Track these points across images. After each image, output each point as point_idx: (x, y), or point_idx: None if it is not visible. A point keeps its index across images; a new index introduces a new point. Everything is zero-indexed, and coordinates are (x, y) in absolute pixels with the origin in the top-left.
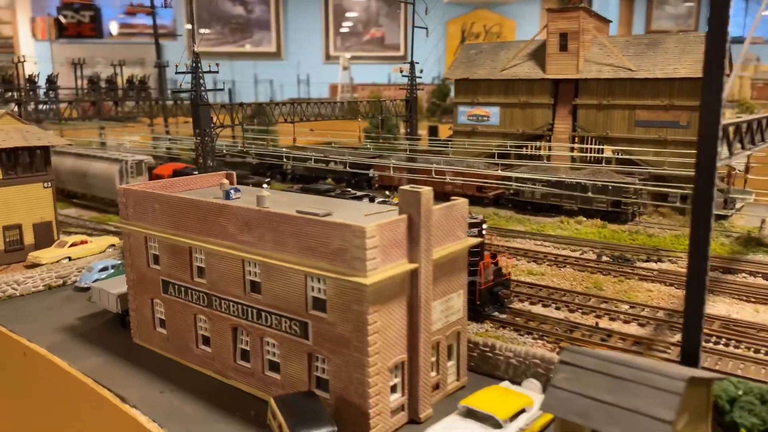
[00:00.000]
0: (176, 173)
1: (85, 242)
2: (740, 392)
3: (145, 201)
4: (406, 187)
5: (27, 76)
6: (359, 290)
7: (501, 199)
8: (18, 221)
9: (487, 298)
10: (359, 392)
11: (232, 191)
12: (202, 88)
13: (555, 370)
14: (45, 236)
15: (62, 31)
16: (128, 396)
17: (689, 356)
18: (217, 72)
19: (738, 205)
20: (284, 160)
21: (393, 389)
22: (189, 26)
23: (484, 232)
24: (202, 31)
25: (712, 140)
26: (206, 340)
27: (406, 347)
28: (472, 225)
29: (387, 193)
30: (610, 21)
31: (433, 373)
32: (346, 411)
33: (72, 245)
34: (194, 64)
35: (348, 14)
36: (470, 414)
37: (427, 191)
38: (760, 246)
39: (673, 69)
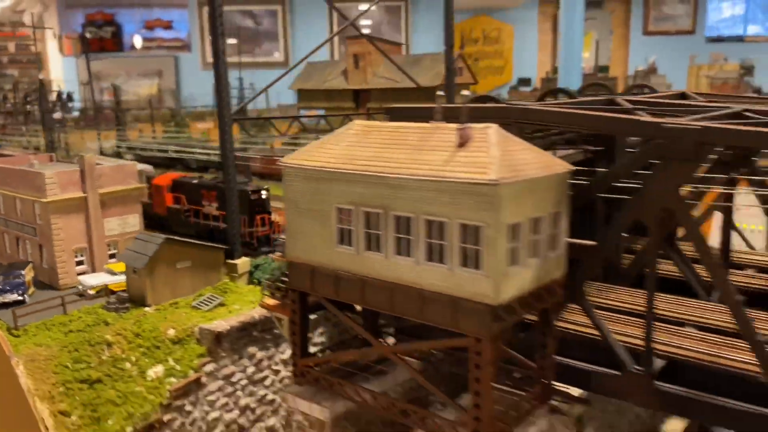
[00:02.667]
0: (175, 182)
1: None
2: (263, 262)
3: None
4: (81, 154)
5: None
6: (46, 206)
7: None
8: None
9: None
10: (53, 262)
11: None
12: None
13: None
14: None
15: (87, 48)
16: None
17: (229, 253)
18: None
19: None
20: (174, 153)
21: (80, 263)
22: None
23: None
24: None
25: (225, 129)
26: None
27: (86, 240)
28: None
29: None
30: (402, 44)
31: (114, 259)
32: (51, 273)
33: None
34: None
35: (363, 22)
36: (107, 270)
37: (89, 156)
38: None
39: (420, 80)
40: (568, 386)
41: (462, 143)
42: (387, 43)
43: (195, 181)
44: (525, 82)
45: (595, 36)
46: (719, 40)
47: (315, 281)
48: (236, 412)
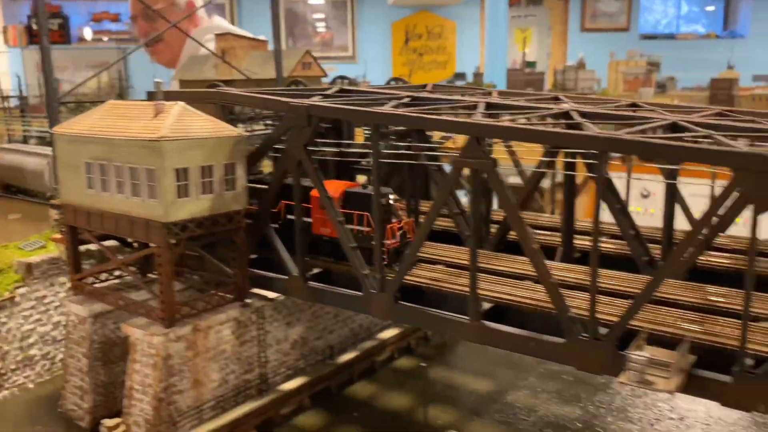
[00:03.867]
0: None
1: None
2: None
3: None
4: None
5: None
6: None
7: None
8: None
9: (395, 257)
10: None
11: None
12: None
13: None
14: None
15: (33, 38)
16: None
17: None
18: None
19: None
20: None
21: None
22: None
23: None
24: None
25: (52, 110)
26: None
27: None
28: None
29: None
30: (266, 41)
31: None
32: None
33: None
34: None
35: (315, 15)
36: None
37: None
38: None
39: (268, 72)
40: (263, 289)
41: (156, 114)
42: (250, 40)
43: None
44: (460, 76)
45: (535, 32)
46: (652, 37)
47: (77, 217)
48: (49, 326)
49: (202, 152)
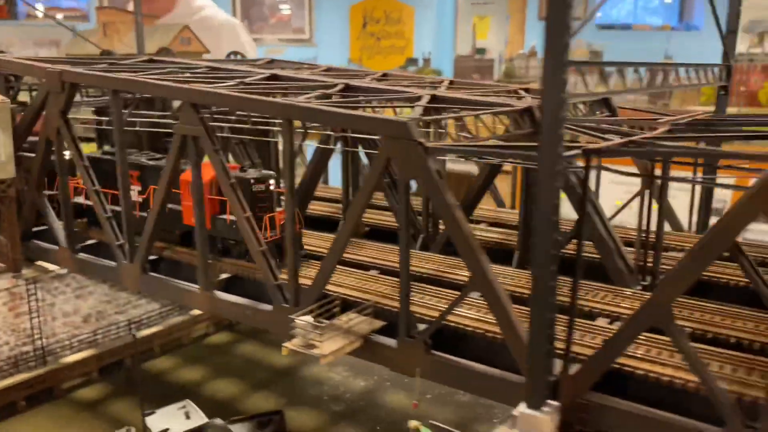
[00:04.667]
0: None
1: None
2: None
3: None
4: None
5: None
6: None
7: None
8: None
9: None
10: None
11: None
12: None
13: None
14: None
15: None
16: None
17: None
18: None
19: None
20: None
21: None
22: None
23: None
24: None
25: None
26: None
27: None
28: None
29: None
30: (155, 16)
31: None
32: None
33: None
34: None
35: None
36: None
37: None
38: None
39: (149, 47)
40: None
41: None
42: (131, 14)
43: None
44: (413, 62)
45: (493, 20)
46: (610, 27)
47: None
48: None
49: None
